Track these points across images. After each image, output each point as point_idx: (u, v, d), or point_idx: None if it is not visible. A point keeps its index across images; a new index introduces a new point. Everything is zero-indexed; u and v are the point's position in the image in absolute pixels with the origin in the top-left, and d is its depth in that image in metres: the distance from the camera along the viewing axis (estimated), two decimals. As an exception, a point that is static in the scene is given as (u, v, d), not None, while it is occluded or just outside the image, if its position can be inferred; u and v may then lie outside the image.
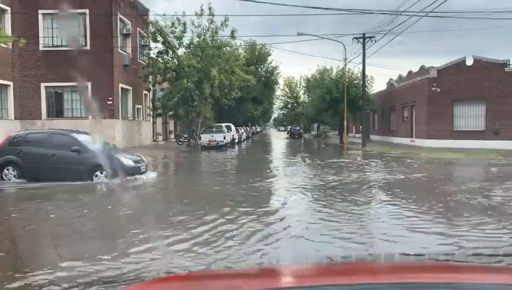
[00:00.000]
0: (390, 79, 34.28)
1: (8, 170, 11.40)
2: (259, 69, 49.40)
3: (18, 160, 11.31)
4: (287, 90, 71.79)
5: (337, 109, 32.15)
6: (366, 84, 30.02)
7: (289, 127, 72.05)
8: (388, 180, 11.57)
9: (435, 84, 24.77)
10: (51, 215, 7.27)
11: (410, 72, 31.10)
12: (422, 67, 27.57)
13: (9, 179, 11.33)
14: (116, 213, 7.40)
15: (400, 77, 33.66)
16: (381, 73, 74.73)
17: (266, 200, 8.95)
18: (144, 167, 11.94)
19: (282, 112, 77.44)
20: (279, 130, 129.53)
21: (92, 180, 10.99)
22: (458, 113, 24.49)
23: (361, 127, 34.22)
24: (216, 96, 25.84)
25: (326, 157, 19.62)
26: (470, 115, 24.21)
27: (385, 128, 34.86)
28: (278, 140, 47.28)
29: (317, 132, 57.56)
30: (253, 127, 76.81)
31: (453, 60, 24.62)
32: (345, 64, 32.02)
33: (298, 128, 60.03)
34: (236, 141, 33.33)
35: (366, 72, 28.73)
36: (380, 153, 22.48)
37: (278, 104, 74.71)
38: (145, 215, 6.35)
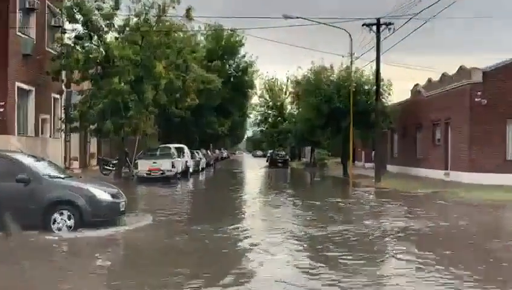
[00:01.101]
0: (417, 85, 35.11)
1: None
2: (227, 66, 49.82)
3: None
4: (267, 98, 72.66)
5: (339, 126, 32.57)
6: (382, 90, 30.57)
7: (269, 151, 72.52)
8: (413, 234, 11.62)
9: (479, 92, 25.42)
10: None
11: (444, 76, 31.89)
12: (461, 69, 28.30)
13: None
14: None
15: (430, 81, 34.49)
16: (403, 76, 76.69)
17: (235, 264, 8.84)
18: (124, 203, 12.11)
19: (260, 128, 78.04)
20: (255, 156, 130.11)
21: (49, 227, 10.88)
22: (513, 136, 25.32)
23: (373, 153, 34.65)
24: (162, 103, 25.74)
25: (322, 201, 19.60)
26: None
27: (408, 155, 35.44)
28: (253, 170, 47.30)
29: (310, 158, 58.05)
30: (218, 151, 76.97)
31: (505, 60, 25.46)
32: (352, 62, 32.62)
33: (283, 153, 60.42)
34: (191, 170, 33.14)
35: (382, 74, 29.35)
36: (400, 192, 22.70)
37: (253, 117, 75.39)
38: None
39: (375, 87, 29.48)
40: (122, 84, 23.29)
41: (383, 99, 31.24)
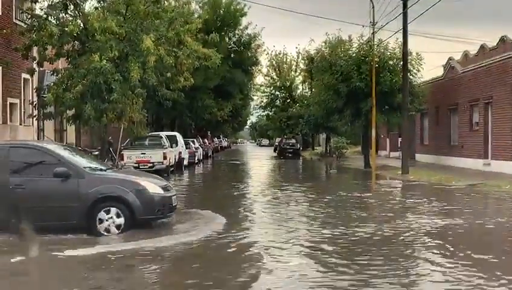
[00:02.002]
0: (451, 60, 34.91)
1: None
2: (227, 39, 49.63)
3: None
4: (274, 77, 72.59)
5: (359, 109, 32.39)
6: (410, 66, 30.37)
7: (277, 139, 72.46)
8: (450, 235, 11.51)
9: (524, 67, 25.35)
10: None
11: (482, 48, 31.76)
12: (503, 40, 28.15)
13: None
14: None
15: (466, 55, 34.32)
16: (435, 49, 76.32)
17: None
18: (175, 197, 12.28)
19: (266, 113, 77.96)
20: (260, 145, 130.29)
21: (95, 228, 10.91)
22: None
23: (400, 140, 34.53)
24: (151, 84, 25.57)
25: (340, 197, 19.53)
26: None
27: (441, 142, 35.34)
28: (259, 162, 47.26)
29: (325, 147, 57.98)
30: (217, 139, 76.96)
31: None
32: (373, 33, 32.46)
33: (293, 141, 60.39)
34: (185, 162, 33.10)
35: (410, 47, 29.13)
36: (433, 185, 22.61)
37: (258, 99, 75.34)
38: None
39: (401, 63, 29.31)
40: (104, 61, 23.08)
41: (411, 77, 31.06)
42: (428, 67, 48.42)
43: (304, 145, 68.55)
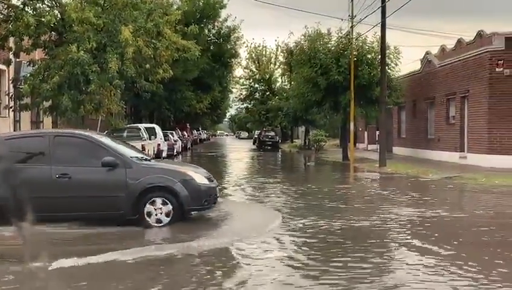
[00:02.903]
0: (428, 53, 35.13)
1: None
2: (207, 31, 49.45)
3: None
4: (254, 69, 72.53)
5: (338, 102, 32.52)
6: (388, 60, 30.55)
7: (256, 132, 72.52)
8: (423, 227, 11.60)
9: (501, 61, 25.56)
10: None
11: (459, 42, 31.97)
12: (479, 34, 28.37)
13: None
14: None
15: (444, 49, 34.55)
16: (413, 43, 76.82)
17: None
18: (218, 188, 12.22)
19: (245, 105, 77.97)
20: (239, 137, 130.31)
21: (143, 218, 10.75)
22: (541, 112, 25.38)
23: (378, 133, 34.71)
24: (129, 75, 25.42)
25: (317, 189, 19.59)
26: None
27: (418, 135, 35.61)
28: (238, 154, 47.26)
29: (304, 140, 58.16)
30: (196, 132, 76.76)
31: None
32: (352, 27, 32.55)
33: (272, 134, 60.53)
34: (164, 154, 32.99)
35: (388, 40, 29.30)
36: (410, 177, 22.79)
37: (237, 92, 75.29)
38: None
39: (379, 57, 29.46)
40: (82, 52, 22.91)
41: (389, 71, 31.24)
42: (406, 61, 48.67)
43: (282, 138, 68.71)
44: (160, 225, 10.72)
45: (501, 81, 25.45)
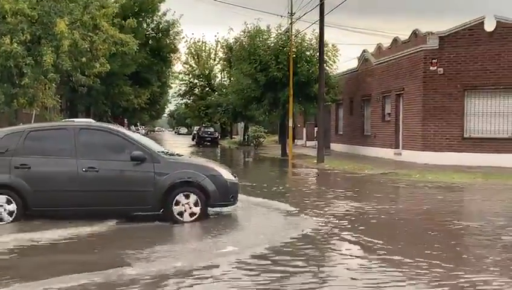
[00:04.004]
0: (364, 51, 35.77)
1: None
2: (145, 25, 48.90)
3: (17, 182, 10.55)
4: (193, 65, 72.07)
5: (277, 98, 32.77)
6: (326, 57, 30.96)
7: (196, 128, 72.24)
8: (355, 221, 11.84)
9: (434, 60, 26.26)
10: None
11: (395, 41, 32.65)
12: (415, 33, 29.04)
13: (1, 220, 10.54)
14: None
15: (380, 48, 35.23)
16: (351, 41, 78.07)
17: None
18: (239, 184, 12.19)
19: (184, 101, 77.42)
20: (178, 133, 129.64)
21: (170, 213, 10.75)
22: (472, 110, 26.08)
23: (316, 129, 35.19)
24: (65, 69, 24.93)
25: (253, 185, 19.68)
26: (491, 113, 25.92)
27: (355, 132, 36.28)
28: (177, 149, 46.54)
29: (243, 136, 58.33)
30: (134, 127, 75.96)
31: (464, 23, 26.33)
32: (291, 23, 32.85)
33: (211, 130, 60.44)
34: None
35: (326, 38, 29.66)
36: (346, 173, 23.21)
37: (177, 87, 74.66)
38: None
39: (318, 54, 29.79)
40: (15, 45, 22.34)
41: (327, 68, 31.63)
42: (344, 59, 49.58)
43: (222, 134, 68.72)
44: (189, 220, 10.75)
45: (435, 80, 26.11)
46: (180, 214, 10.73)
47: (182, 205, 10.74)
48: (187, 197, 10.76)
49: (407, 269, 7.75)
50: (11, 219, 10.51)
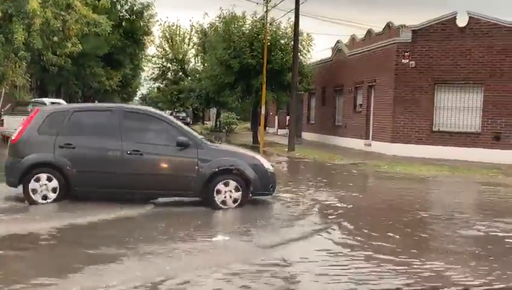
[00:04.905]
0: (338, 42, 35.96)
1: (40, 179, 10.63)
2: (119, 6, 48.42)
3: (61, 161, 10.59)
4: (167, 49, 71.58)
5: (250, 86, 32.79)
6: (301, 46, 31.04)
7: (167, 112, 71.89)
8: (323, 209, 12.00)
9: (407, 53, 26.52)
10: None
11: (369, 33, 32.91)
12: (388, 26, 29.30)
13: (41, 199, 10.61)
14: None
15: (354, 39, 35.48)
16: (326, 31, 78.23)
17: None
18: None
19: (157, 85, 76.97)
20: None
21: (212, 200, 10.85)
22: (442, 104, 26.42)
23: (288, 118, 35.32)
24: (36, 47, 24.64)
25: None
26: (460, 108, 26.27)
27: (327, 121, 36.52)
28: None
29: (215, 122, 58.28)
30: (105, 110, 75.04)
31: (438, 17, 26.57)
32: (267, 11, 32.82)
33: (183, 115, 60.21)
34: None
35: (301, 27, 29.77)
36: (316, 162, 23.41)
37: (150, 70, 74.10)
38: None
39: (292, 43, 29.84)
40: (-16, 22, 22.05)
41: (301, 57, 31.70)
42: (319, 49, 49.76)
43: (194, 119, 68.44)
44: (229, 207, 10.83)
45: (406, 73, 26.33)
46: (223, 202, 10.83)
47: (224, 192, 10.83)
48: (228, 184, 10.85)
49: (364, 253, 7.97)
50: (54, 196, 10.59)
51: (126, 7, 50.38)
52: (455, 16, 25.80)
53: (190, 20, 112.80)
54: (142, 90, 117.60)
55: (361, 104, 31.13)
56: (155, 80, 74.77)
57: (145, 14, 51.83)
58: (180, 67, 70.61)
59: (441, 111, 26.28)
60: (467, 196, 15.75)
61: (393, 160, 23.51)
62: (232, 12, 34.52)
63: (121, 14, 48.53)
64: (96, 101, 59.88)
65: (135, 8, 50.74)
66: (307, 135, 39.52)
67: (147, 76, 76.37)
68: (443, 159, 23.66)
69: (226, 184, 10.85)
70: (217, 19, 35.14)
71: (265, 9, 32.76)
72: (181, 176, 10.80)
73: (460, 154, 24.63)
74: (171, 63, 71.45)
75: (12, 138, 10.99)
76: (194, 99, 55.77)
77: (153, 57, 70.55)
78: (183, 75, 68.69)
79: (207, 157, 10.84)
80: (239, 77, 32.91)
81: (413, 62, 26.15)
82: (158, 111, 12.19)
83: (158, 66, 71.87)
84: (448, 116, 26.20)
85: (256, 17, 34.20)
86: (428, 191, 16.71)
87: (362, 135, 30.16)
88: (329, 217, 10.84)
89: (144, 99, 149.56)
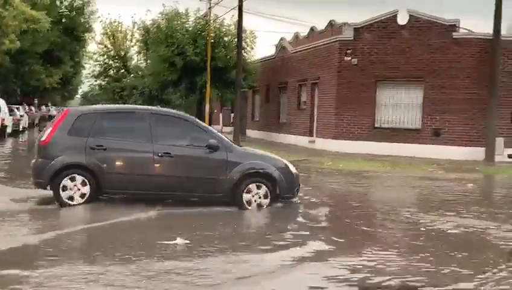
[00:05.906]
0: (282, 39, 36.22)
1: (71, 180, 10.49)
2: (58, 3, 47.62)
3: (93, 163, 10.51)
4: (109, 46, 70.60)
5: (194, 83, 32.72)
6: (244, 43, 31.18)
7: (110, 110, 70.80)
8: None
9: (349, 51, 26.90)
10: None
11: (312, 30, 33.28)
12: (331, 24, 29.69)
13: (73, 199, 10.49)
14: None
15: (297, 37, 35.81)
16: (269, 28, 78.60)
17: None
18: None
19: (99, 82, 75.85)
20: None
21: (241, 202, 10.85)
22: (384, 101, 26.97)
23: (232, 115, 35.40)
24: (-28, 44, 24.03)
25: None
26: (402, 105, 26.86)
27: (271, 119, 36.71)
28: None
29: (158, 120, 57.74)
30: (45, 108, 73.62)
31: (379, 15, 27.06)
32: (210, 8, 32.85)
33: (127, 112, 59.33)
34: (8, 130, 31.48)
35: (245, 24, 29.90)
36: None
37: (91, 67, 72.96)
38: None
39: (236, 40, 29.93)
40: None
41: (244, 54, 31.84)
42: (263, 46, 50.04)
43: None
44: (257, 208, 10.85)
45: (349, 70, 26.73)
46: (249, 203, 10.83)
47: (253, 195, 10.86)
48: (258, 187, 10.89)
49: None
50: (84, 199, 10.46)
51: (66, 3, 49.67)
52: (396, 14, 26.33)
53: (132, 17, 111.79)
54: (84, 88, 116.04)
55: (305, 102, 31.41)
56: (96, 77, 73.52)
57: (86, 10, 51.20)
58: (122, 64, 69.67)
59: (382, 108, 26.79)
60: (405, 191, 16.13)
61: (337, 156, 23.83)
62: (175, 9, 34.37)
63: (60, 11, 47.80)
64: (36, 100, 58.83)
65: (75, 4, 50.08)
66: (251, 133, 39.63)
67: (88, 73, 75.20)
68: (385, 155, 24.14)
69: (255, 187, 10.95)
70: (160, 15, 34.90)
71: (208, 6, 32.79)
72: (211, 178, 10.85)
73: (402, 150, 25.14)
74: (113, 60, 70.39)
75: (42, 139, 10.76)
76: (137, 96, 55.20)
77: (94, 54, 69.43)
78: (125, 73, 67.81)
79: (236, 160, 10.91)
80: (183, 74, 32.81)
81: (356, 59, 26.54)
82: (186, 114, 12.23)
83: (100, 63, 70.79)
84: (390, 113, 26.73)
85: (199, 14, 34.17)
86: (370, 185, 17.04)
87: (306, 132, 30.44)
88: (272, 211, 10.95)
89: (86, 97, 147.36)
